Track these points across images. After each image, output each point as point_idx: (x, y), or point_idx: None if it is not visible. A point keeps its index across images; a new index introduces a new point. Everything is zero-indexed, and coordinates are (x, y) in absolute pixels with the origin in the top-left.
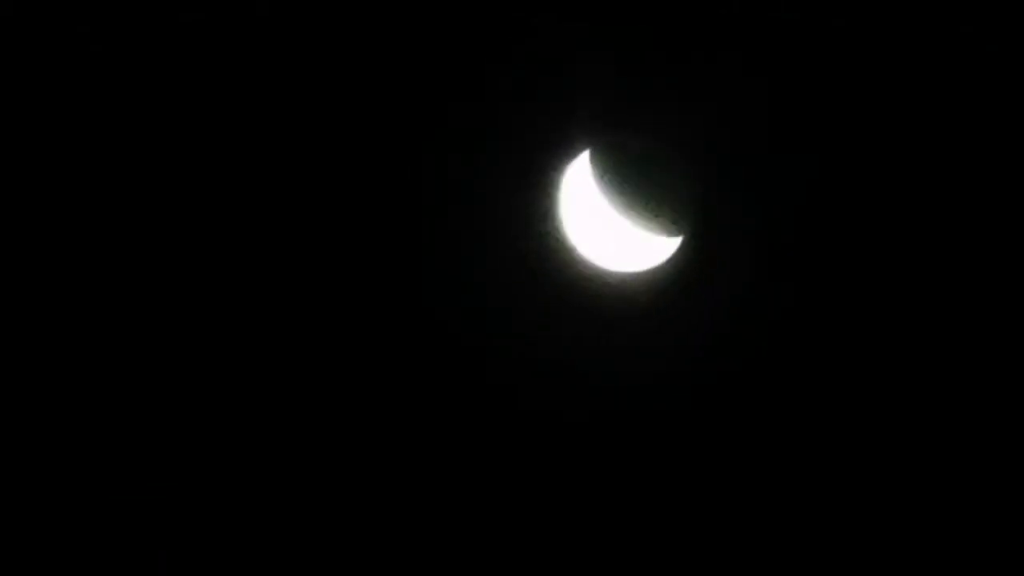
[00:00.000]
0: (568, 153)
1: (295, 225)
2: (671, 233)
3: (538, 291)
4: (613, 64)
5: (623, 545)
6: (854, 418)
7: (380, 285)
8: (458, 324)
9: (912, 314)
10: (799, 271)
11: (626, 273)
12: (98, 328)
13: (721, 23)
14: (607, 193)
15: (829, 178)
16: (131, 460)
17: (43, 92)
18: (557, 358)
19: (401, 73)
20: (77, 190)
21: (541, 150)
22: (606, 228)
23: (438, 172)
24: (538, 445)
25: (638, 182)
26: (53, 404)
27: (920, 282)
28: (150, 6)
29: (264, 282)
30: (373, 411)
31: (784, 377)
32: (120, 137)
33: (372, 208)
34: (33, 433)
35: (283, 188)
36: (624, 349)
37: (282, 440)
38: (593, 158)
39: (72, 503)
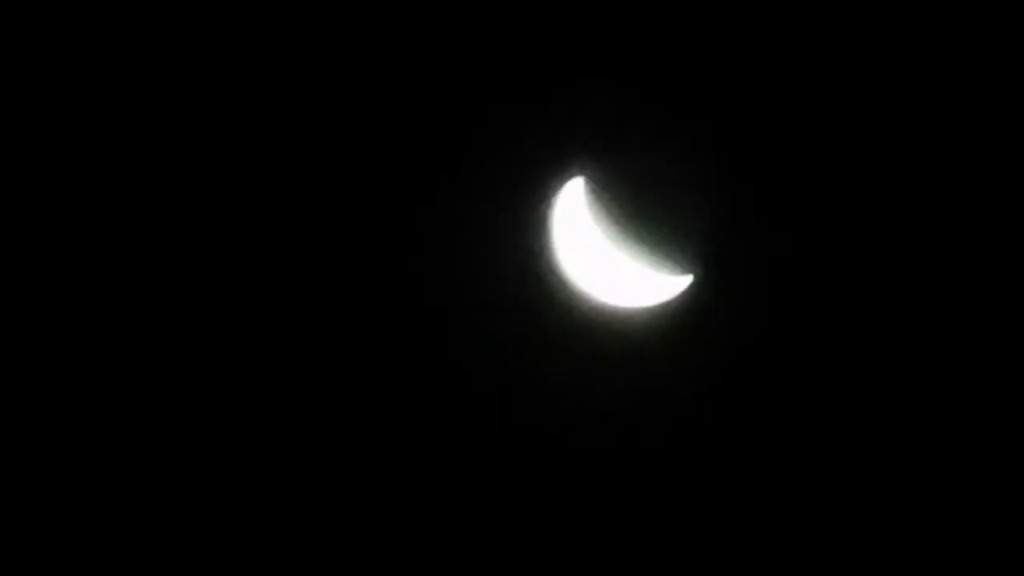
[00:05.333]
0: (561, 177)
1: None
2: (675, 270)
3: (531, 325)
4: (614, 88)
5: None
6: (864, 462)
7: (372, 314)
8: (451, 350)
9: (927, 358)
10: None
11: (627, 309)
12: (98, 328)
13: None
14: (604, 223)
15: (854, 205)
16: (131, 460)
17: (43, 92)
18: (553, 393)
19: (395, 97)
20: (77, 190)
21: (532, 174)
22: (603, 260)
23: (427, 198)
24: (526, 476)
25: (638, 212)
26: (53, 404)
27: (936, 314)
28: (150, 6)
29: (259, 290)
30: (367, 436)
31: (792, 433)
32: (120, 137)
33: (363, 236)
34: (33, 433)
35: (276, 201)
36: (621, 389)
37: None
38: (588, 184)
39: (72, 503)
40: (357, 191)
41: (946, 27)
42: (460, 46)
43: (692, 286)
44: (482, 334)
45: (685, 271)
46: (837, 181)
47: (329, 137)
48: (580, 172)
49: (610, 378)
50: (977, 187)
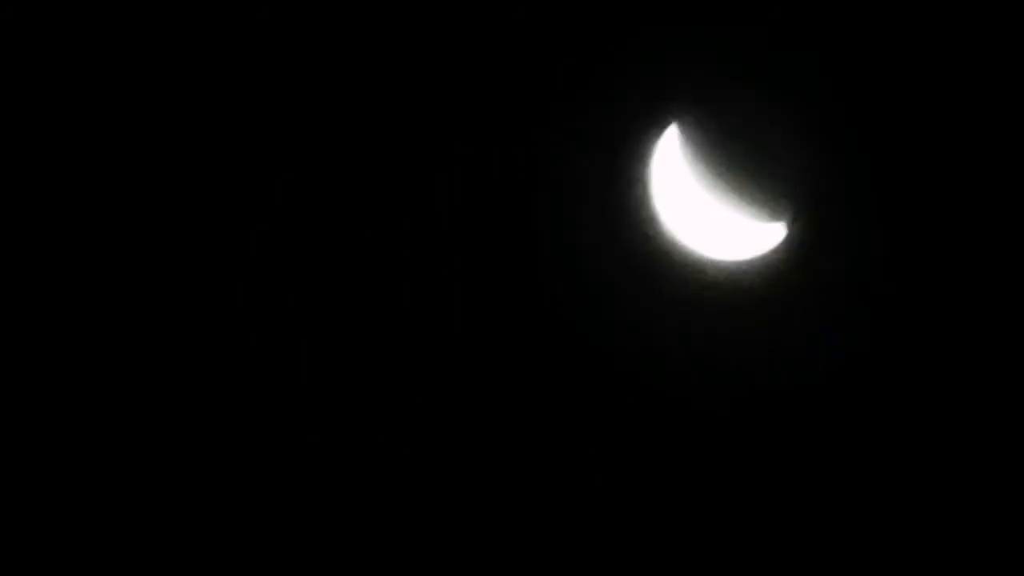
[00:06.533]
0: (657, 127)
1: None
2: (772, 219)
3: (629, 276)
4: (709, 33)
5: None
6: (974, 412)
7: (464, 269)
8: (548, 303)
9: None
10: (924, 261)
11: (723, 262)
12: (98, 328)
13: None
14: (700, 173)
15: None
16: (131, 460)
17: (43, 92)
18: (649, 346)
19: (484, 49)
20: (77, 190)
21: (628, 125)
22: (700, 210)
23: (523, 149)
24: (618, 428)
25: (734, 160)
26: (53, 404)
27: None
28: (150, 6)
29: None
30: (461, 391)
31: (898, 385)
32: (120, 137)
33: (456, 191)
34: (33, 433)
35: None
36: (719, 341)
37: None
38: (683, 134)
39: (72, 503)
40: (451, 148)
41: None
42: None
43: (791, 236)
44: (580, 286)
45: (784, 221)
46: (948, 128)
47: (419, 93)
48: (677, 121)
49: (709, 331)
50: None
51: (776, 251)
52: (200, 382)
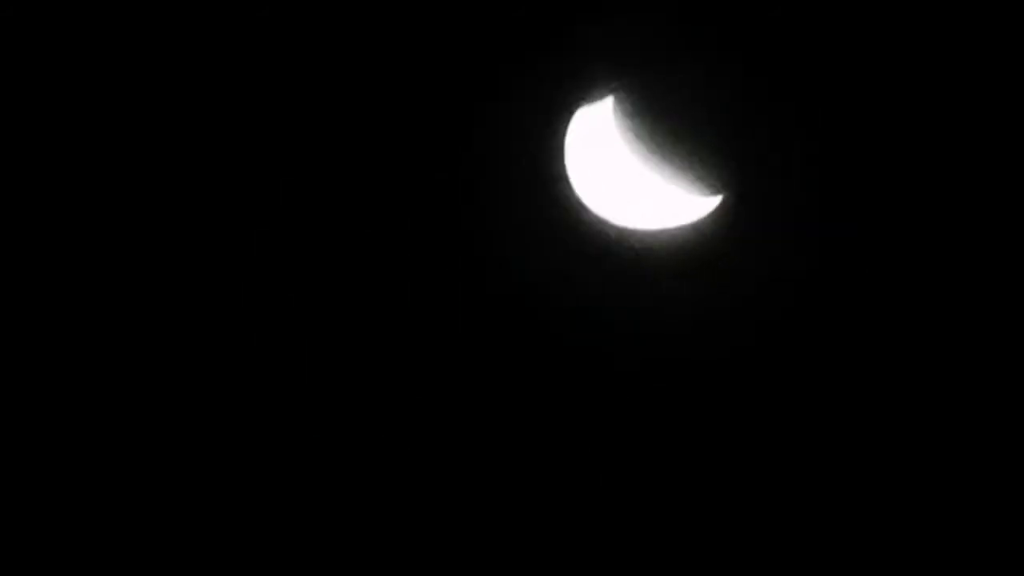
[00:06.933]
0: (587, 96)
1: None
2: (704, 190)
3: (547, 248)
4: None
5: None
6: (895, 389)
7: (387, 246)
8: (475, 277)
9: (959, 291)
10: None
11: (648, 232)
12: (98, 328)
13: None
14: (631, 142)
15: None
16: (131, 460)
17: (43, 92)
18: (586, 315)
19: (420, 14)
20: (77, 190)
21: (555, 97)
22: (627, 181)
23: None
24: (553, 402)
25: (668, 129)
26: (53, 404)
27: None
28: (150, 6)
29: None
30: (396, 377)
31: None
32: (120, 137)
33: (379, 164)
34: (33, 433)
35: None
36: (650, 312)
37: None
38: (618, 102)
39: (72, 503)
40: (378, 123)
41: None
42: None
43: (720, 206)
44: (506, 257)
45: (713, 191)
46: (870, 96)
47: (350, 67)
48: (605, 93)
49: (639, 302)
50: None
51: (708, 220)
52: (195, 379)
